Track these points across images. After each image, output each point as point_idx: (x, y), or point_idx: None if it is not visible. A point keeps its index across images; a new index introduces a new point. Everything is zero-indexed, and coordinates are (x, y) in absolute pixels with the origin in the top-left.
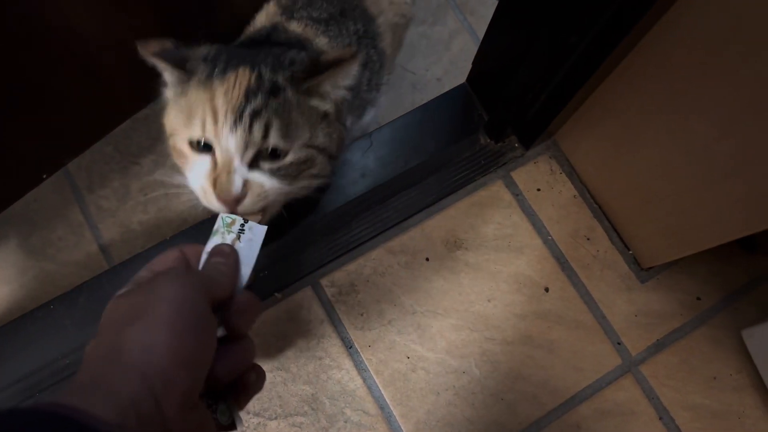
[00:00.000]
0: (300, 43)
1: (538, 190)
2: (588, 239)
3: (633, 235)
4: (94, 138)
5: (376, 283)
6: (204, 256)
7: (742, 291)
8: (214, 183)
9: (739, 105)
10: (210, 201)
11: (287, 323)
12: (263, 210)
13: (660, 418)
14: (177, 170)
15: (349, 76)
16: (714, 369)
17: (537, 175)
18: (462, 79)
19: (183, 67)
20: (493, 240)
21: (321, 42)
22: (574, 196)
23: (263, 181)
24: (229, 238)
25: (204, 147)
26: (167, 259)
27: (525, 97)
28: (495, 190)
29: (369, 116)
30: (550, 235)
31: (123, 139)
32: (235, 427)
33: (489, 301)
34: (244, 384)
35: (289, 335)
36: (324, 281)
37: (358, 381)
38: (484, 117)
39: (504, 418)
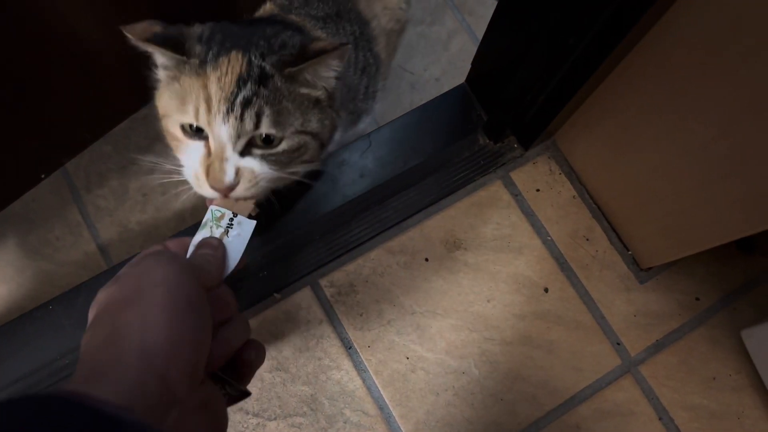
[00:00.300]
0: (298, 29)
1: (537, 190)
2: (587, 239)
3: (632, 236)
4: (92, 138)
5: (376, 284)
6: (191, 249)
7: (740, 291)
8: (207, 171)
9: (739, 105)
10: (203, 188)
11: (286, 324)
12: (254, 195)
13: (659, 419)
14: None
15: (330, 68)
16: (713, 369)
17: (536, 176)
18: (461, 79)
19: (180, 49)
20: (492, 240)
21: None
22: (573, 196)
23: (255, 166)
24: (217, 233)
25: (197, 131)
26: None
27: (524, 98)
28: (494, 190)
29: (363, 124)
30: (549, 236)
31: (121, 138)
32: (247, 394)
33: (488, 301)
34: (244, 362)
35: (288, 336)
36: (323, 281)
37: (358, 381)
38: (483, 117)
39: (503, 418)
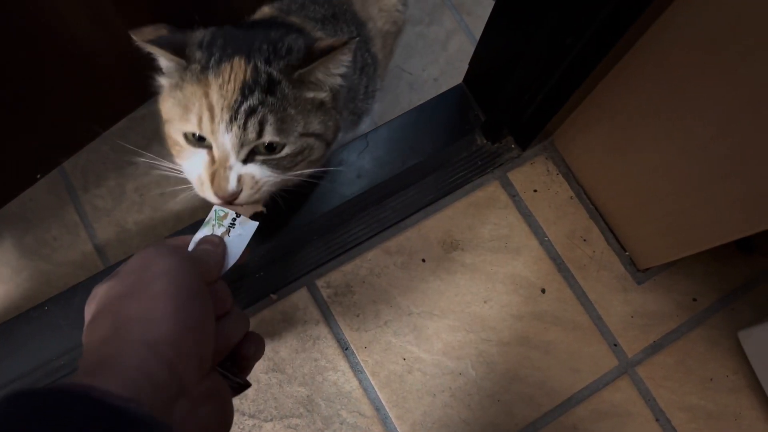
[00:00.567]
0: (300, 31)
1: (535, 191)
2: (584, 240)
3: (629, 236)
4: (90, 137)
5: (373, 284)
6: (192, 245)
7: (738, 292)
8: (212, 178)
9: (738, 104)
10: (206, 194)
11: (282, 324)
12: (258, 201)
13: (656, 420)
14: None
15: (341, 64)
16: (710, 370)
17: (533, 176)
18: (459, 79)
19: (181, 53)
20: (489, 241)
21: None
22: (571, 197)
23: (258, 173)
24: (218, 231)
25: (200, 139)
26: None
27: (522, 98)
28: (491, 190)
29: (365, 125)
30: (547, 236)
31: (119, 138)
32: (248, 385)
33: (485, 302)
34: (243, 355)
35: (284, 336)
36: (320, 282)
37: (354, 382)
38: (481, 117)
39: (500, 419)
